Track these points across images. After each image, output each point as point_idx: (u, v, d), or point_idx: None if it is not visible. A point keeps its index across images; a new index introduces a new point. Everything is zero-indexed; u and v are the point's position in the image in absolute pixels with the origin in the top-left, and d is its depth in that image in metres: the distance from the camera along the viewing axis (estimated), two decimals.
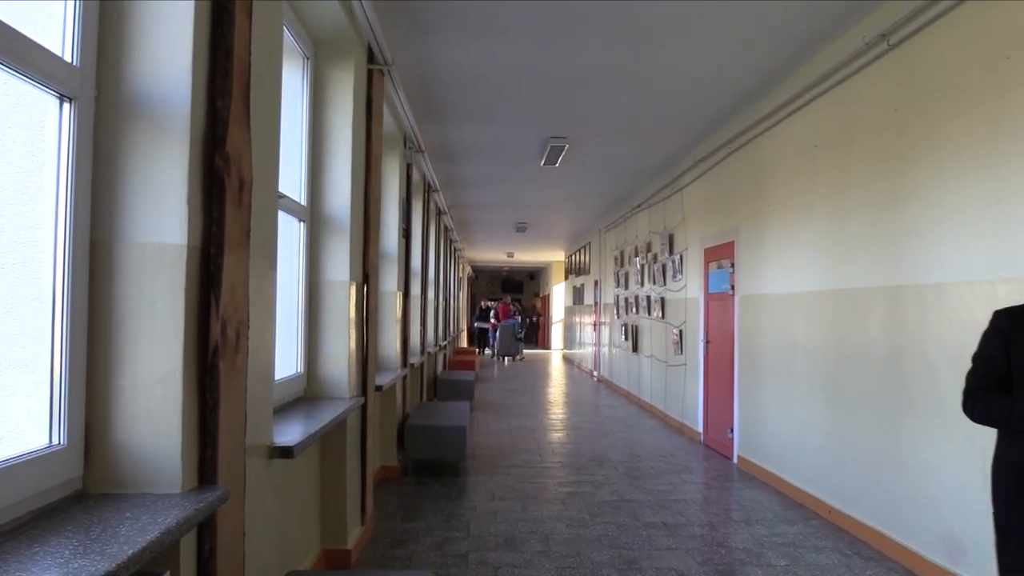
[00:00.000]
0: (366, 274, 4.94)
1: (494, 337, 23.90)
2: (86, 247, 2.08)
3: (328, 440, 4.42)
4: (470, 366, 15.61)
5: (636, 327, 12.48)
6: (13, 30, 1.80)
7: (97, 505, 1.98)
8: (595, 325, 17.59)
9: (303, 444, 3.13)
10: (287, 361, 4.19)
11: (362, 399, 4.66)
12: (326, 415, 3.75)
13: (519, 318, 24.29)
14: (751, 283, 7.27)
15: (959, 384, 4.09)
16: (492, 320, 24.89)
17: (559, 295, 27.81)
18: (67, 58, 2.02)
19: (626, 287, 13.33)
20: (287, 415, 3.73)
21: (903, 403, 4.64)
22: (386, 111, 6.38)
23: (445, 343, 14.79)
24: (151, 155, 2.12)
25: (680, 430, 9.61)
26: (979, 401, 2.75)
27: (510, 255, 26.39)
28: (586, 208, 14.62)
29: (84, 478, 2.08)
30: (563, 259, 25.84)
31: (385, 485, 6.47)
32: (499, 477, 6.82)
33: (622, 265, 13.69)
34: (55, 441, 2.00)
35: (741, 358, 7.50)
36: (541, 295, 34.34)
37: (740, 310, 7.55)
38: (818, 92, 5.79)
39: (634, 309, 12.58)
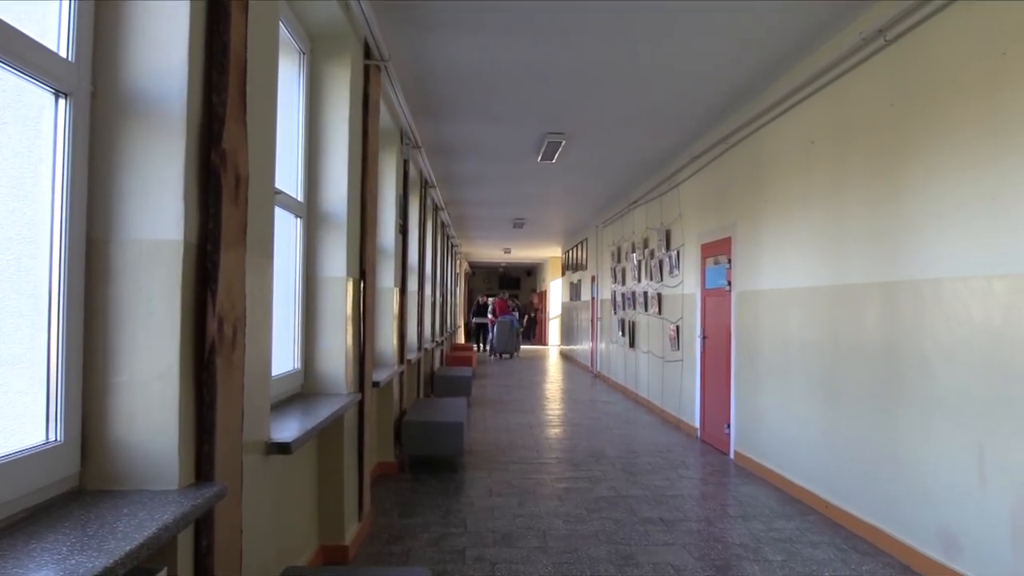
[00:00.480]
0: (363, 270, 4.94)
1: (492, 333, 23.62)
2: (82, 243, 2.07)
3: (325, 436, 4.42)
4: (467, 362, 15.61)
5: (633, 323, 12.49)
6: (8, 25, 1.79)
7: (94, 502, 1.98)
8: (592, 321, 17.61)
9: (300, 440, 3.12)
10: (284, 357, 4.19)
11: (359, 395, 4.66)
12: (323, 411, 3.75)
13: (517, 314, 23.95)
14: (748, 279, 7.28)
15: (955, 380, 4.12)
16: (490, 316, 24.47)
17: (556, 291, 27.79)
18: (63, 54, 2.02)
19: (623, 283, 13.33)
20: (284, 411, 3.73)
21: (899, 399, 4.66)
22: (383, 107, 6.38)
23: (442, 339, 14.79)
24: (147, 151, 2.12)
25: (677, 426, 9.63)
26: None
27: (507, 251, 26.37)
28: (583, 204, 14.61)
29: (81, 475, 2.08)
30: (560, 255, 25.84)
31: (382, 481, 6.47)
32: (496, 473, 6.83)
33: (619, 261, 13.69)
34: (52, 438, 1.99)
35: (738, 354, 7.51)
36: (538, 291, 34.34)
37: (737, 306, 7.56)
38: (815, 88, 5.79)
39: (631, 305, 12.59)
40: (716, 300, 8.23)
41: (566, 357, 22.97)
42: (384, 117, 6.76)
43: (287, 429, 3.25)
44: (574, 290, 21.56)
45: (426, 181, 9.96)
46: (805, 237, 6.00)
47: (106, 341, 2.09)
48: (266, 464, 2.99)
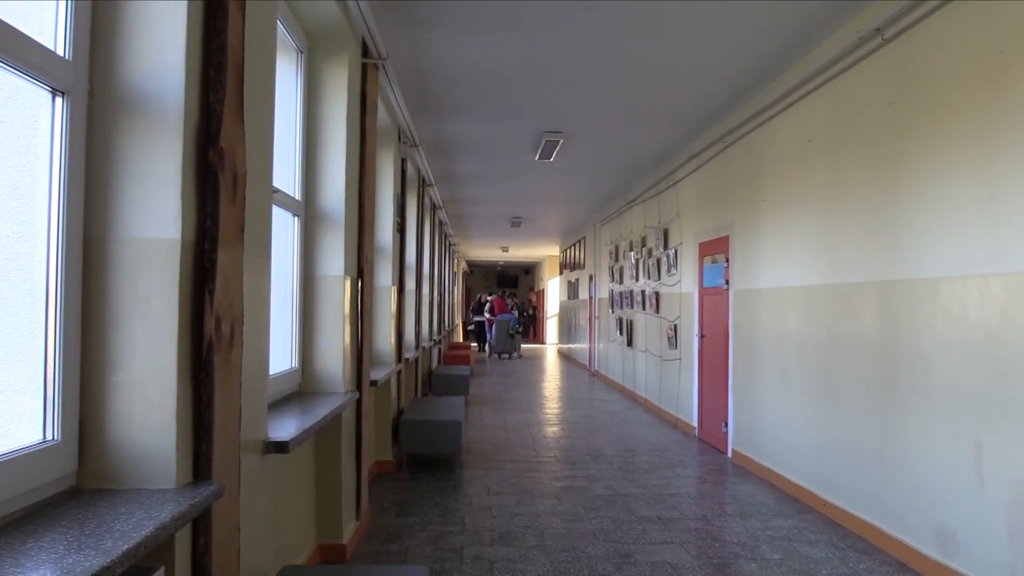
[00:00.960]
0: (361, 269, 4.93)
1: (490, 333, 23.03)
2: (80, 242, 2.07)
3: (323, 435, 4.42)
4: (465, 361, 15.61)
5: (631, 321, 12.49)
6: (5, 24, 1.79)
7: (91, 500, 1.97)
8: (590, 320, 17.61)
9: (298, 439, 3.12)
10: (282, 356, 4.18)
11: (357, 394, 4.66)
12: (321, 410, 3.75)
13: (516, 313, 23.48)
14: (745, 278, 7.28)
15: (952, 378, 4.13)
16: (487, 315, 23.77)
17: (554, 290, 27.81)
18: (60, 52, 2.01)
19: (621, 282, 13.34)
20: (282, 410, 3.73)
21: (897, 398, 4.66)
22: (380, 105, 6.37)
23: (440, 338, 14.79)
24: (144, 149, 2.12)
25: (675, 424, 9.63)
26: None
27: (505, 250, 26.35)
28: (581, 202, 14.61)
29: (78, 473, 2.08)
30: (558, 254, 25.84)
31: (380, 480, 6.47)
32: (494, 472, 6.83)
33: (617, 260, 13.70)
34: (49, 436, 1.99)
35: (735, 353, 7.52)
36: (536, 290, 34.35)
37: (735, 305, 7.56)
38: (813, 87, 5.79)
39: (629, 304, 12.59)
40: (714, 299, 8.23)
41: (564, 356, 22.97)
42: (382, 116, 6.76)
43: (285, 428, 3.25)
44: (572, 289, 21.57)
45: (424, 180, 9.96)
46: (803, 236, 6.00)
47: (103, 340, 2.09)
48: (264, 463, 2.99)
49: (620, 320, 13.37)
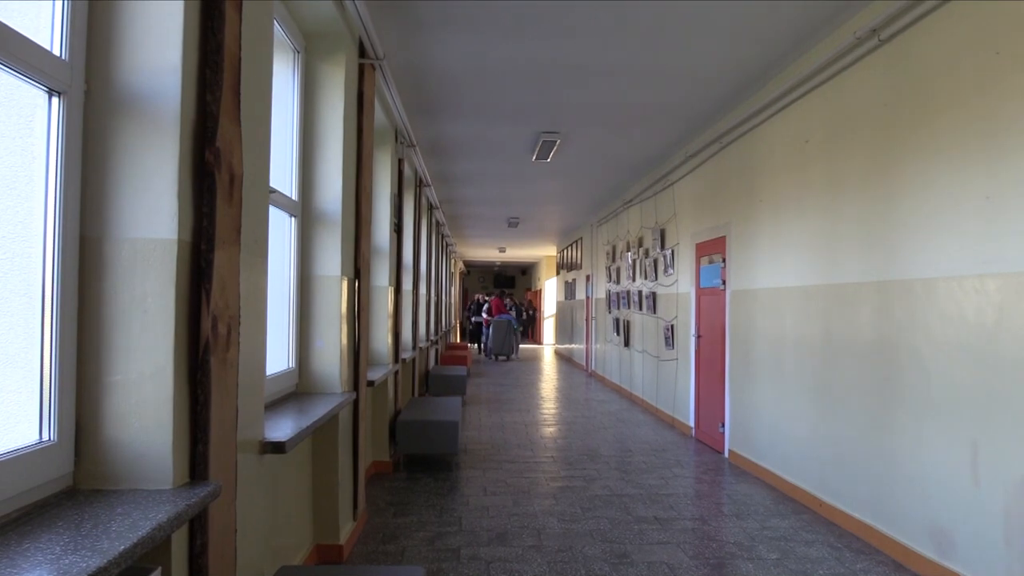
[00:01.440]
0: (358, 269, 4.93)
1: (487, 334, 22.49)
2: (76, 242, 2.07)
3: (320, 435, 4.42)
4: (462, 361, 15.60)
5: (628, 322, 12.50)
6: (1, 24, 1.78)
7: (88, 501, 1.97)
8: (587, 320, 17.62)
9: (295, 439, 3.12)
10: (279, 356, 4.18)
11: (354, 394, 4.65)
12: (318, 410, 3.75)
13: (514, 313, 22.90)
14: (742, 278, 7.29)
15: (949, 378, 4.14)
16: (485, 316, 23.23)
17: (551, 290, 27.81)
18: (56, 52, 2.01)
19: (618, 282, 13.34)
20: (279, 410, 3.72)
21: (892, 397, 4.67)
22: (377, 106, 6.37)
23: (437, 338, 14.78)
24: (141, 149, 2.12)
25: (672, 424, 9.64)
26: None
27: (502, 250, 26.35)
28: (578, 203, 14.62)
29: (75, 474, 2.08)
30: (555, 254, 25.85)
31: (377, 480, 6.47)
32: (491, 472, 6.83)
33: (614, 260, 13.71)
34: (45, 437, 1.99)
35: (732, 353, 7.52)
36: (533, 290, 34.36)
37: (731, 305, 7.57)
38: (809, 87, 5.80)
39: (626, 304, 12.60)
40: (711, 299, 8.24)
41: (561, 356, 22.96)
42: (379, 116, 6.76)
43: (282, 428, 3.25)
44: (569, 289, 21.56)
45: (421, 180, 9.96)
46: (799, 236, 6.01)
47: (100, 340, 2.09)
48: (261, 463, 2.99)
49: (617, 320, 13.37)
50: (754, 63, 6.08)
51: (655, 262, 10.60)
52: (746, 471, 6.97)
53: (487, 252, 27.76)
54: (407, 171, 8.67)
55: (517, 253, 28.00)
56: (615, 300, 13.56)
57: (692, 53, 5.83)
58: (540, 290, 30.76)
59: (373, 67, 5.23)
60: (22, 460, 1.86)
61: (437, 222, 14.30)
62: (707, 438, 8.29)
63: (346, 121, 4.64)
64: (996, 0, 3.79)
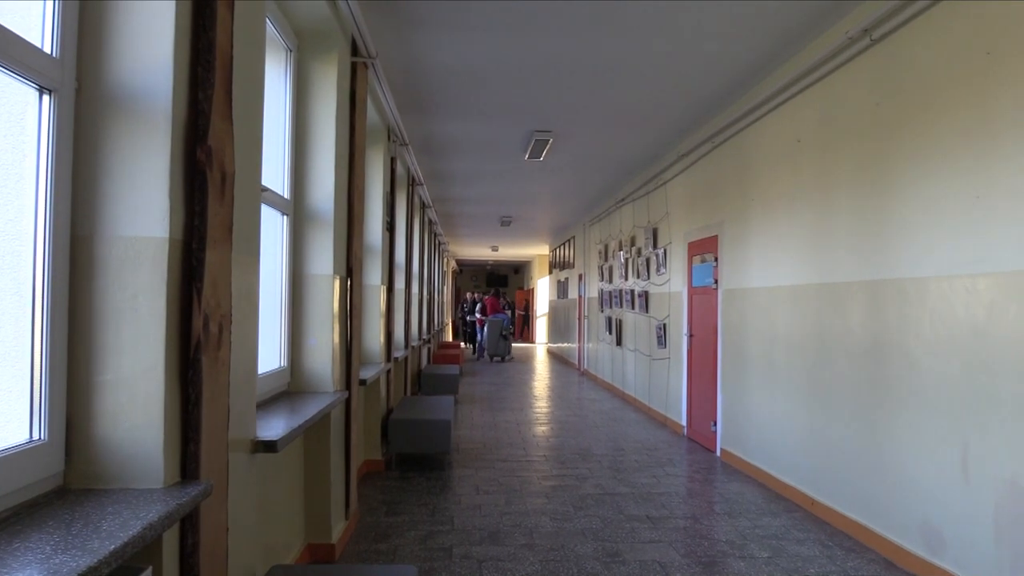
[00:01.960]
0: (350, 268, 4.92)
1: (480, 334, 21.67)
2: (67, 241, 2.06)
3: (312, 434, 4.41)
4: (454, 360, 15.60)
5: (620, 321, 12.52)
6: None
7: (78, 500, 1.96)
8: (579, 319, 17.63)
9: (287, 438, 3.12)
10: (270, 355, 4.17)
11: (346, 393, 4.65)
12: (310, 409, 3.74)
13: (509, 312, 22.10)
14: (734, 277, 7.31)
15: (940, 377, 4.16)
16: (479, 316, 22.41)
17: (543, 289, 27.82)
18: (47, 49, 2.00)
19: (610, 281, 13.36)
20: (271, 409, 3.71)
21: (884, 396, 4.69)
22: (370, 104, 6.36)
23: (429, 337, 14.77)
24: (132, 148, 2.11)
25: (664, 423, 9.66)
26: None
27: (495, 249, 26.34)
28: (570, 202, 14.63)
29: (65, 473, 2.07)
30: (547, 253, 25.85)
31: (369, 479, 6.46)
32: (483, 471, 6.83)
33: (606, 259, 13.72)
34: (36, 436, 1.98)
35: (724, 352, 7.54)
36: (525, 289, 34.36)
37: (723, 304, 7.59)
38: (802, 87, 5.82)
39: (618, 303, 12.61)
40: (703, 298, 8.26)
41: (553, 355, 22.97)
42: (371, 114, 6.75)
43: (273, 427, 3.24)
44: (561, 288, 21.57)
45: (413, 178, 9.95)
46: (791, 235, 6.03)
47: (91, 339, 2.08)
48: (252, 462, 2.98)
49: (609, 319, 13.39)
50: (746, 62, 6.09)
51: (647, 261, 10.62)
52: (738, 470, 6.99)
53: (480, 251, 27.74)
54: (399, 170, 8.66)
55: (510, 252, 28.00)
56: (607, 299, 13.57)
57: (685, 52, 5.84)
58: (533, 289, 30.77)
59: (366, 65, 5.22)
60: (12, 459, 1.85)
61: (429, 221, 14.29)
62: (699, 437, 8.31)
63: (338, 119, 4.63)
64: (987, 1, 3.81)
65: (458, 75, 6.53)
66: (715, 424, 7.73)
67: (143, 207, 2.10)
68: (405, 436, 6.81)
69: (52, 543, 1.66)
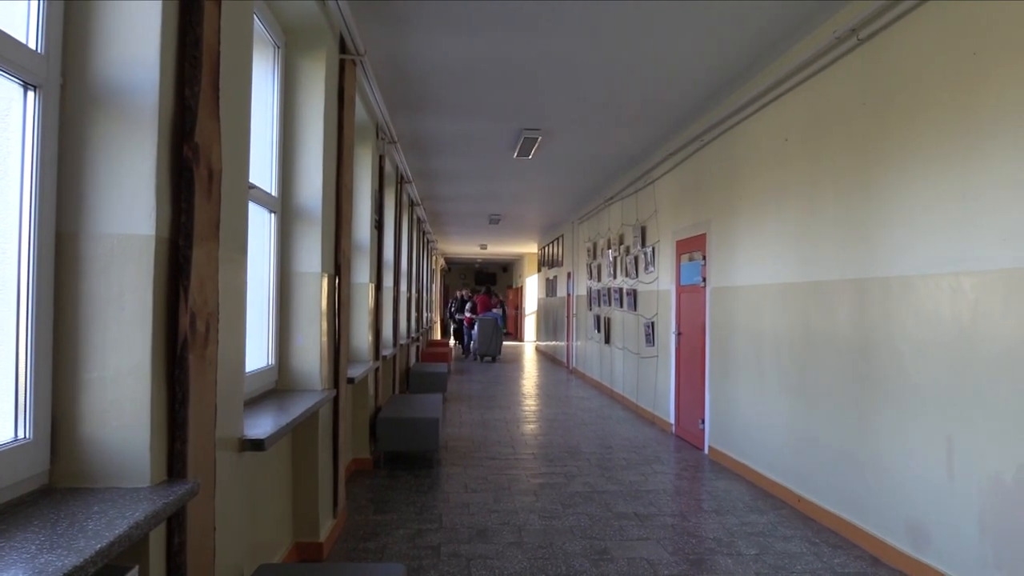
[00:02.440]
0: (338, 266, 4.91)
1: (469, 334, 21.06)
2: (52, 238, 2.04)
3: (300, 433, 4.40)
4: (443, 358, 15.59)
5: (608, 319, 12.54)
6: None
7: (64, 499, 1.95)
8: (568, 317, 17.65)
9: (274, 437, 3.11)
10: (258, 353, 4.15)
11: (334, 391, 4.64)
12: (298, 408, 3.73)
13: (501, 311, 21.07)
14: (722, 275, 7.33)
15: (925, 375, 4.19)
16: (468, 314, 21.78)
17: (532, 287, 27.83)
18: (32, 45, 1.98)
19: (599, 279, 13.37)
20: (258, 408, 3.70)
21: (870, 394, 4.72)
22: (358, 101, 6.34)
23: (418, 335, 14.76)
24: (118, 144, 2.09)
25: (652, 421, 9.68)
26: None
27: (483, 247, 26.32)
28: (559, 200, 14.63)
29: (51, 472, 2.05)
30: (536, 251, 25.86)
31: (357, 478, 6.45)
32: (472, 469, 6.83)
33: (595, 257, 13.74)
34: (21, 435, 1.97)
35: (712, 350, 7.57)
36: (514, 287, 34.37)
37: (711, 302, 7.61)
38: (789, 86, 5.84)
39: (606, 301, 12.64)
40: (691, 296, 8.28)
41: (542, 353, 22.98)
42: (359, 112, 6.73)
43: (261, 426, 3.23)
44: (550, 286, 21.56)
45: (402, 176, 9.93)
46: (779, 234, 6.05)
47: (76, 337, 2.07)
48: (240, 461, 2.97)
49: (598, 317, 13.41)
50: (734, 61, 6.11)
51: (636, 259, 10.64)
52: (725, 467, 7.02)
53: (468, 249, 27.73)
54: (388, 167, 8.64)
55: (498, 250, 27.99)
56: (596, 297, 13.59)
57: (673, 51, 5.85)
58: (521, 287, 30.77)
59: (354, 63, 5.21)
60: None
61: (418, 219, 14.27)
62: (687, 435, 8.34)
63: (326, 117, 4.62)
64: (973, 1, 3.83)
65: (447, 73, 6.52)
66: (703, 422, 7.76)
67: (129, 204, 2.09)
68: (393, 434, 6.80)
69: (37, 542, 1.64)
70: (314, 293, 4.46)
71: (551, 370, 17.46)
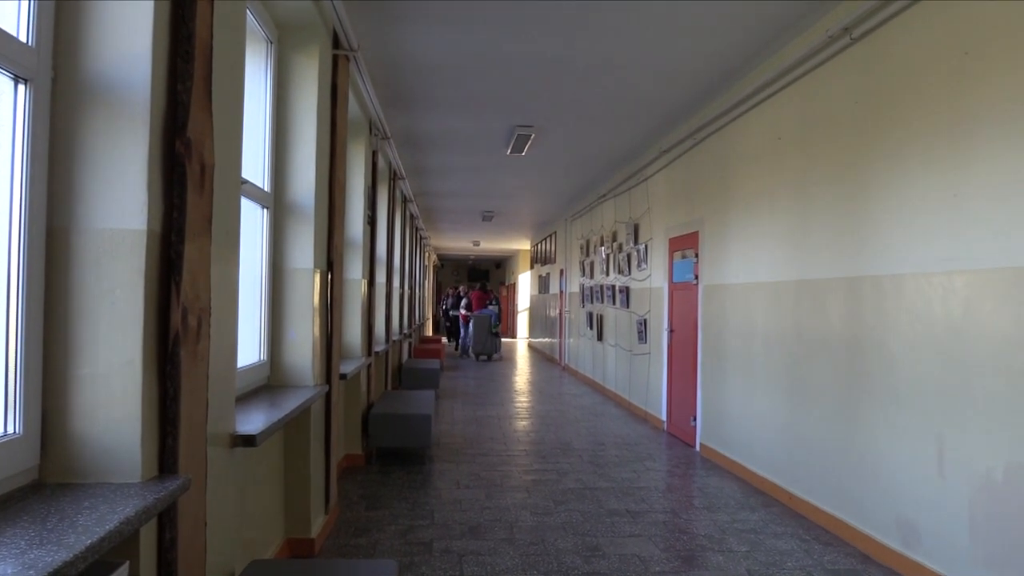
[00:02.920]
0: (331, 262, 4.90)
1: (465, 331, 20.30)
2: (42, 232, 2.03)
3: (292, 429, 4.39)
4: (435, 355, 15.59)
5: (601, 316, 12.55)
6: None
7: (54, 495, 1.94)
8: (560, 314, 17.66)
9: (266, 433, 3.10)
10: (250, 349, 4.15)
11: (326, 387, 4.63)
12: (290, 403, 3.73)
13: (496, 308, 20.12)
14: (715, 273, 7.35)
15: (916, 373, 4.20)
16: (463, 311, 20.78)
17: (525, 284, 27.83)
18: (22, 38, 1.97)
19: (591, 276, 13.39)
20: (250, 403, 3.69)
21: (861, 392, 4.74)
22: (351, 97, 6.32)
23: (410, 332, 14.74)
24: (110, 139, 2.08)
25: (644, 418, 9.70)
26: None
27: (476, 244, 26.31)
28: (552, 197, 14.63)
29: (41, 468, 2.04)
30: (529, 248, 25.86)
31: (349, 474, 6.44)
32: (464, 465, 6.84)
33: (588, 254, 13.75)
34: (11, 430, 1.96)
35: (704, 347, 7.58)
36: (507, 284, 34.37)
37: (704, 300, 7.62)
38: (782, 85, 5.85)
39: (599, 298, 12.65)
40: (683, 294, 8.30)
41: (534, 350, 23.00)
42: (353, 108, 6.71)
43: (253, 421, 3.22)
44: (543, 283, 21.56)
45: (395, 172, 9.91)
46: (771, 232, 6.07)
47: (67, 332, 2.06)
48: (231, 457, 2.97)
49: (590, 315, 13.42)
50: (728, 59, 6.11)
51: (628, 257, 10.65)
52: (717, 464, 7.03)
53: (461, 245, 27.72)
54: (381, 163, 8.62)
55: (491, 247, 27.99)
56: (588, 294, 13.61)
57: (667, 49, 5.85)
58: (514, 284, 30.77)
59: (347, 58, 5.20)
60: None
61: (411, 215, 14.25)
62: (679, 432, 8.36)
63: (319, 112, 4.60)
64: (965, 1, 3.84)
65: (441, 69, 6.51)
66: (695, 419, 7.77)
67: (121, 199, 2.08)
68: (386, 430, 6.80)
69: (27, 538, 1.64)
70: (306, 289, 4.45)
71: (543, 367, 17.47)
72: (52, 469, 2.05)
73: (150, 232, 2.11)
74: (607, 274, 12.06)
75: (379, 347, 8.38)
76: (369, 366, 7.52)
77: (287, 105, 4.51)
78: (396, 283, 11.00)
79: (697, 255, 7.83)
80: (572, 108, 7.73)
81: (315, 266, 4.51)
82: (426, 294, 24.86)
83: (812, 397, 5.36)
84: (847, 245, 4.93)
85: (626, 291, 10.77)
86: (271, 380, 4.40)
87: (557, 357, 18.09)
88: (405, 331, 13.06)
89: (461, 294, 22.81)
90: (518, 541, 4.75)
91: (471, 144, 9.70)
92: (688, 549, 4.65)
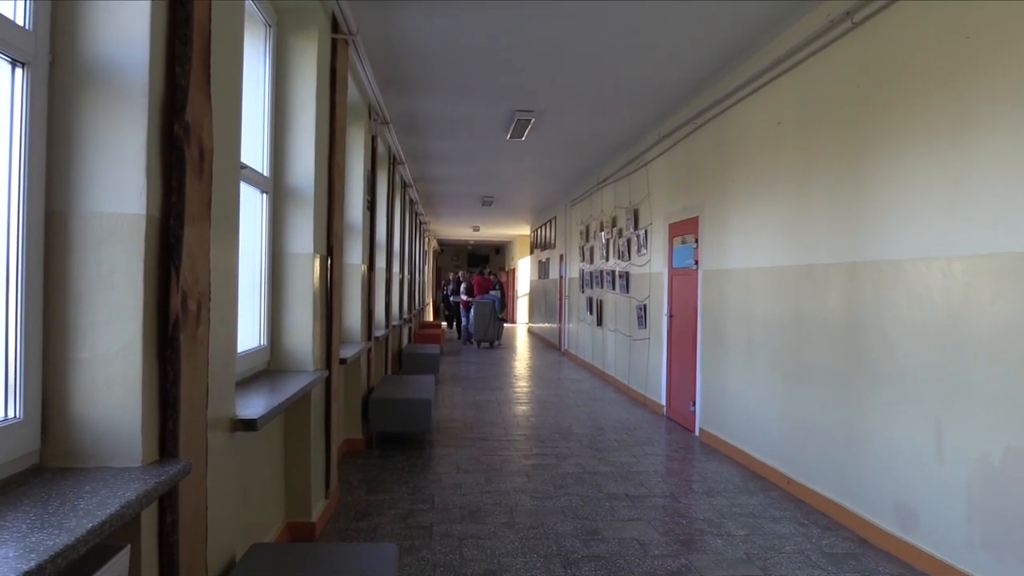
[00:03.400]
0: (330, 247, 4.89)
1: (466, 317, 19.77)
2: (41, 217, 2.03)
3: (292, 413, 4.40)
4: (435, 339, 15.61)
5: (600, 301, 12.55)
6: None
7: (55, 479, 1.95)
8: (560, 299, 17.66)
9: (266, 417, 3.11)
10: (250, 334, 4.15)
11: (326, 372, 4.64)
12: (290, 388, 3.73)
13: (499, 292, 19.56)
14: (714, 258, 7.34)
15: (915, 358, 4.21)
16: (464, 296, 20.38)
17: (525, 269, 27.82)
18: (20, 21, 1.96)
19: (591, 261, 13.38)
20: (250, 388, 3.70)
21: (860, 377, 4.74)
22: (350, 81, 6.29)
23: (410, 317, 14.76)
24: (108, 122, 2.07)
25: (643, 403, 9.72)
26: None
27: (476, 229, 26.27)
28: (552, 182, 14.60)
29: (41, 452, 2.05)
30: (529, 233, 25.83)
31: (350, 458, 6.46)
32: (464, 450, 6.86)
33: (587, 239, 13.73)
34: (11, 415, 1.96)
35: (704, 332, 7.59)
36: (506, 269, 34.36)
37: (703, 285, 7.62)
38: (783, 69, 5.82)
39: (599, 283, 12.64)
40: (683, 279, 8.29)
41: (534, 335, 23.02)
42: (352, 92, 6.67)
43: (253, 406, 3.23)
44: (543, 268, 21.55)
45: (394, 157, 9.88)
46: (771, 217, 6.05)
47: (66, 317, 2.06)
48: (232, 441, 2.97)
49: (590, 300, 13.43)
50: (729, 44, 6.08)
51: (628, 242, 10.63)
52: (716, 449, 7.06)
53: (461, 230, 27.68)
54: (380, 148, 8.60)
55: (491, 232, 27.95)
56: (588, 280, 13.60)
57: (667, 33, 5.82)
58: (514, 269, 30.76)
59: (346, 42, 5.17)
60: None
61: (411, 200, 14.22)
62: (678, 417, 8.38)
63: (319, 97, 4.58)
64: None
65: (440, 53, 6.47)
66: (694, 404, 7.79)
67: (119, 183, 2.07)
68: (386, 415, 6.81)
69: (28, 522, 1.65)
70: (306, 274, 4.45)
71: (543, 352, 17.49)
72: (53, 453, 2.06)
73: (149, 216, 2.11)
74: (607, 259, 12.05)
75: (379, 332, 8.39)
76: (369, 351, 7.53)
77: (286, 89, 4.49)
78: (396, 268, 10.99)
79: (697, 240, 7.82)
80: (572, 92, 7.70)
81: (315, 251, 4.50)
82: (426, 279, 24.85)
83: (811, 382, 5.37)
84: (847, 230, 4.92)
85: (626, 276, 10.76)
86: (271, 365, 4.40)
87: (557, 342, 18.10)
88: (405, 316, 13.07)
89: (461, 279, 22.32)
90: (518, 525, 4.77)
91: (471, 129, 9.66)
92: (687, 533, 4.67)
